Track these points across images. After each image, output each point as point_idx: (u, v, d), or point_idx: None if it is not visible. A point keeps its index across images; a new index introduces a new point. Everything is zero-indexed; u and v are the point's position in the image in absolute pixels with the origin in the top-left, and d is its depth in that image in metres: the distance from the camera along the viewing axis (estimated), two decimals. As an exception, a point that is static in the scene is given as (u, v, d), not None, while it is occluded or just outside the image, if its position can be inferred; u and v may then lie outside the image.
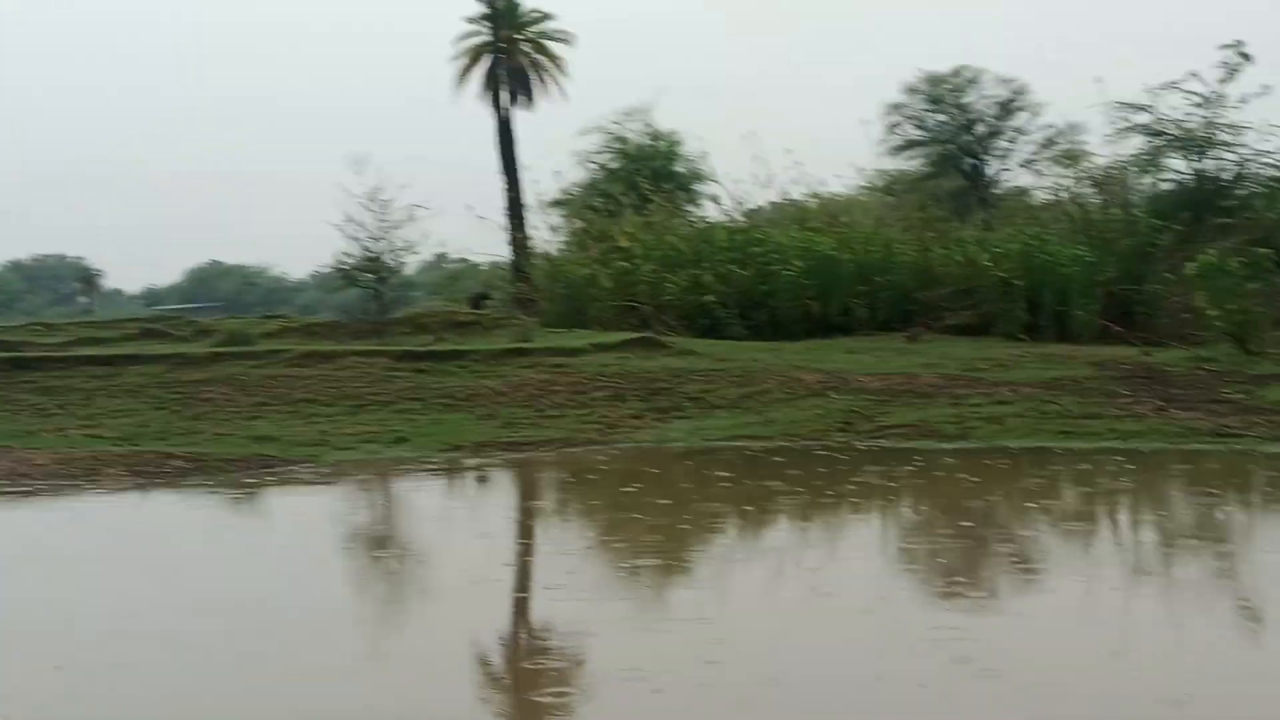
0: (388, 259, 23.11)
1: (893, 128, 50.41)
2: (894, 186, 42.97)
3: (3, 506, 10.65)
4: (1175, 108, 36.42)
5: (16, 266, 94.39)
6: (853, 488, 11.07)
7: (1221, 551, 8.08)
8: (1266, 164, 36.64)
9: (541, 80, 44.16)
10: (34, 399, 15.74)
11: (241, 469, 12.16)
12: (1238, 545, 8.39)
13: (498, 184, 41.05)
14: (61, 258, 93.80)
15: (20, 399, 15.75)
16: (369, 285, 23.29)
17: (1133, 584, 7.26)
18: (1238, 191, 36.57)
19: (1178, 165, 37.98)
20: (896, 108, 50.10)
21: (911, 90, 49.98)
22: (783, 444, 13.39)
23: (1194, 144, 36.58)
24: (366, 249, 22.71)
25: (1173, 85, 35.48)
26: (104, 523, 10.35)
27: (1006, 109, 50.29)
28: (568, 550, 8.95)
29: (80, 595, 7.53)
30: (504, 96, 42.94)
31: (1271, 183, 35.45)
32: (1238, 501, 10.19)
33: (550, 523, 10.40)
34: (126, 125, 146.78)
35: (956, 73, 49.53)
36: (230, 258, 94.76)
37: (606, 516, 10.18)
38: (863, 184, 41.07)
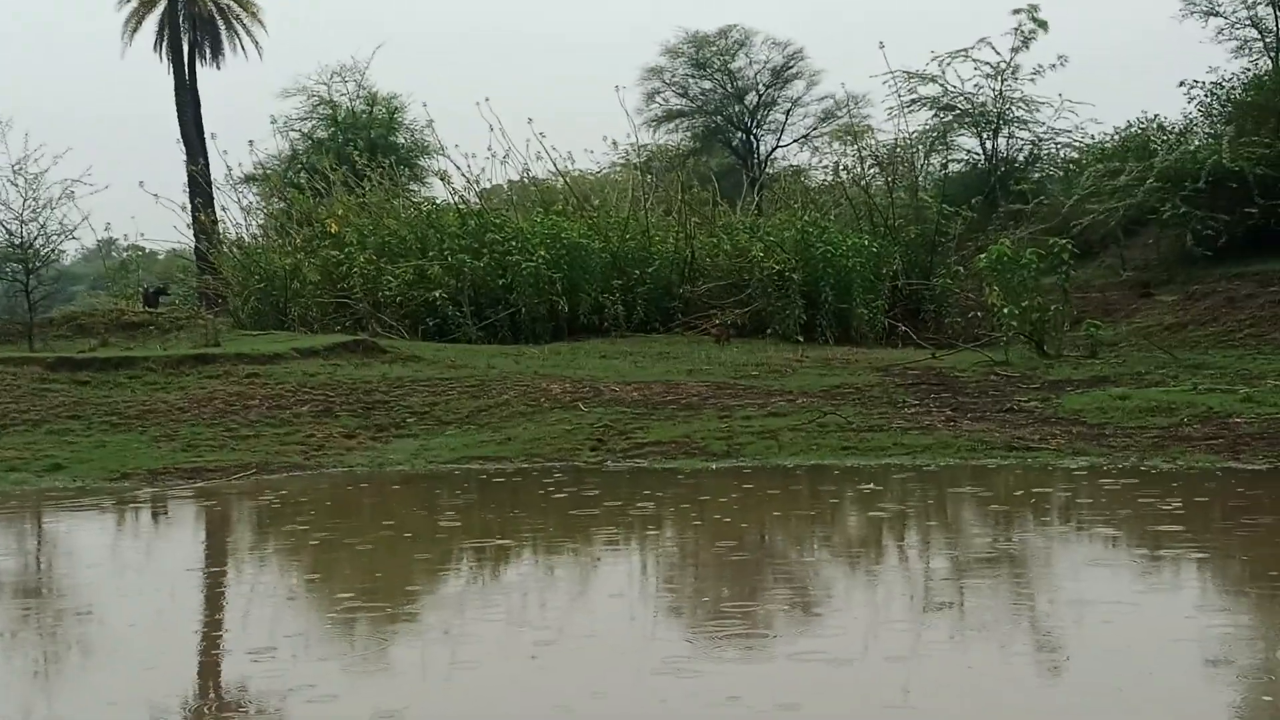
0: (39, 245, 22.16)
1: (652, 96, 51.21)
2: (653, 164, 43.55)
3: None
4: (966, 79, 38.16)
5: None
6: (604, 516, 11.12)
7: (1015, 581, 8.42)
8: (1063, 144, 38.72)
9: (233, 32, 43.22)
10: None
11: None
12: (1033, 573, 8.76)
13: (178, 156, 39.87)
14: None
15: None
16: (14, 278, 22.29)
17: (918, 621, 7.49)
18: (1033, 174, 38.54)
19: (968, 144, 39.81)
20: (656, 73, 50.84)
21: (673, 53, 50.70)
22: (524, 466, 13.42)
23: (986, 120, 38.36)
24: (10, 233, 21.74)
25: (963, 53, 37.15)
26: None
27: (780, 77, 51.64)
28: (263, 600, 8.73)
29: None
30: (186, 51, 41.79)
31: (1069, 165, 37.46)
32: (1033, 523, 10.65)
33: (243, 567, 10.13)
34: None
35: (724, 34, 50.51)
36: None
37: (311, 558, 9.97)
38: (618, 161, 41.56)
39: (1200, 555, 8.86)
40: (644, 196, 30.40)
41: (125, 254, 36.52)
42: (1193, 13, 36.13)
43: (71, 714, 6.34)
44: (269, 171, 37.63)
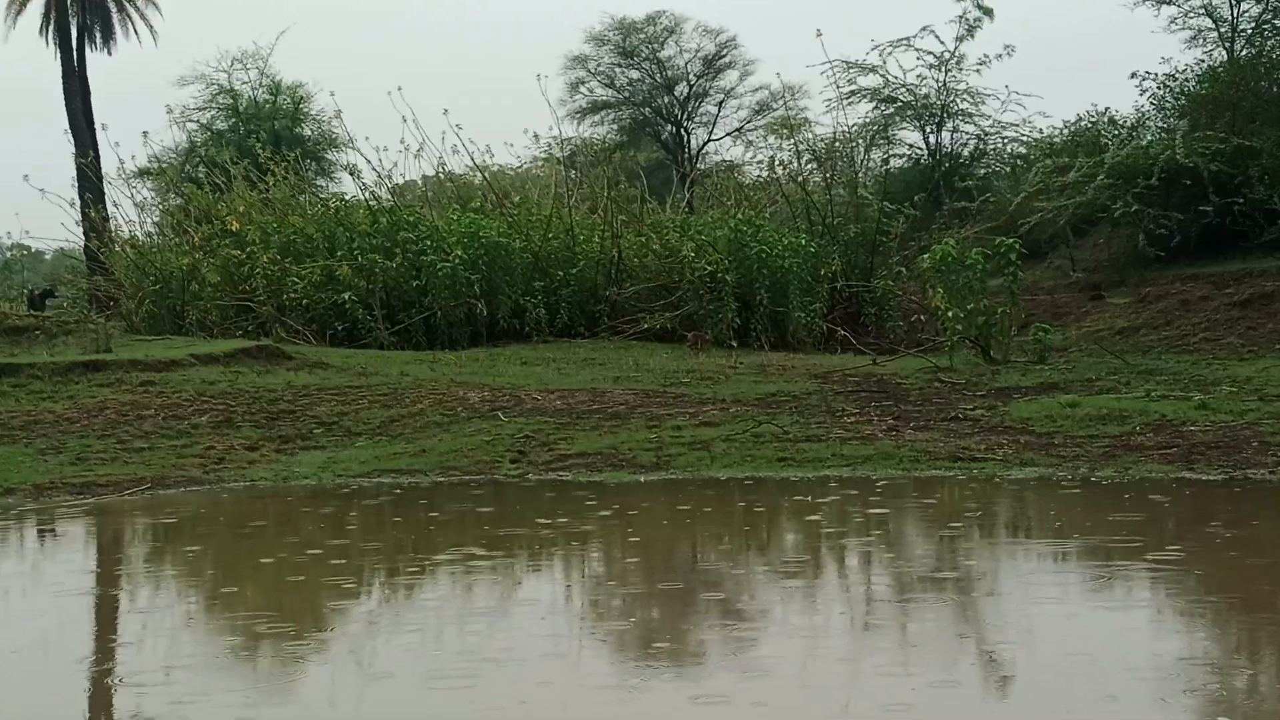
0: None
1: (576, 86, 51.17)
2: (578, 158, 43.49)
3: None
4: (908, 70, 38.42)
5: None
6: (525, 534, 11.08)
7: (960, 600, 8.44)
8: (1010, 138, 39.05)
9: (125, 15, 42.76)
10: None
11: None
12: (978, 592, 8.79)
13: (66, 147, 39.39)
14: None
15: None
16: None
17: (858, 645, 7.50)
18: (978, 170, 38.83)
19: (911, 138, 40.07)
20: (580, 61, 50.79)
21: (598, 40, 50.65)
22: (440, 479, 13.34)
23: (929, 113, 38.62)
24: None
25: (905, 42, 37.39)
26: None
27: (712, 66, 51.73)
28: (158, 625, 8.62)
29: None
30: (75, 35, 41.30)
31: (1016, 160, 37.79)
32: (979, 539, 10.69)
33: (137, 590, 10.00)
34: None
35: (652, 20, 50.51)
36: None
37: (211, 580, 9.88)
38: (540, 155, 41.47)
39: (1154, 571, 8.92)
40: (568, 193, 30.39)
41: (9, 253, 36.24)
42: (1145, 1, 36.48)
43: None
44: (165, 165, 37.34)
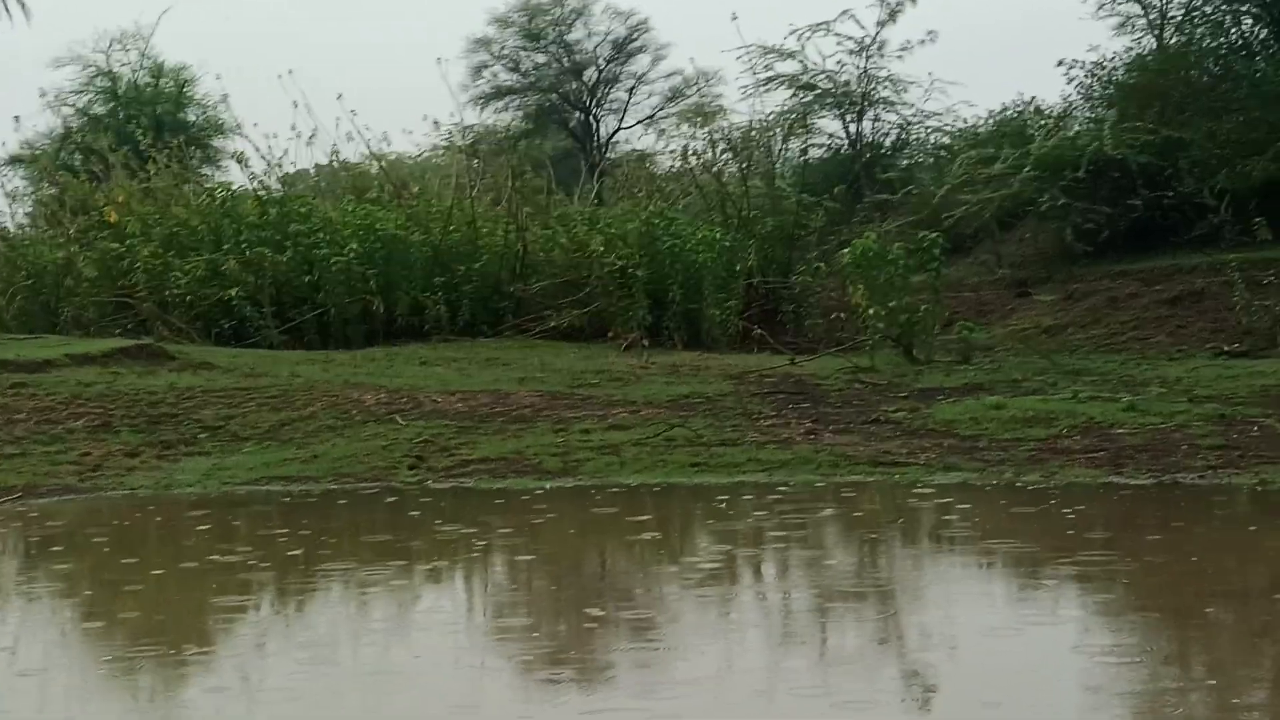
0: None
1: (479, 70, 51.02)
2: (480, 146, 43.30)
3: None
4: (827, 55, 38.54)
5: None
6: (421, 545, 11.05)
7: (880, 613, 8.49)
8: (934, 128, 39.28)
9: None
10: None
11: None
12: (900, 603, 8.84)
13: (-71, 132, 38.83)
14: None
15: None
16: None
17: (773, 665, 7.52)
18: (900, 161, 39.03)
19: (831, 127, 40.19)
20: (483, 44, 50.63)
21: (502, 22, 50.48)
22: (332, 487, 13.25)
23: (849, 101, 38.79)
24: None
25: (824, 27, 37.51)
26: None
27: (622, 50, 51.70)
28: (28, 647, 8.53)
29: None
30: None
31: (940, 151, 38.02)
32: (900, 547, 10.77)
33: (3, 608, 9.87)
34: None
35: (560, 1, 50.39)
36: None
37: (87, 597, 9.77)
38: (440, 143, 41.31)
39: (1081, 580, 9.03)
40: (470, 183, 30.15)
41: None
42: (1072, -16, 36.66)
43: None
44: (38, 152, 36.87)
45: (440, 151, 41.15)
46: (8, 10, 41.72)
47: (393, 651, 7.98)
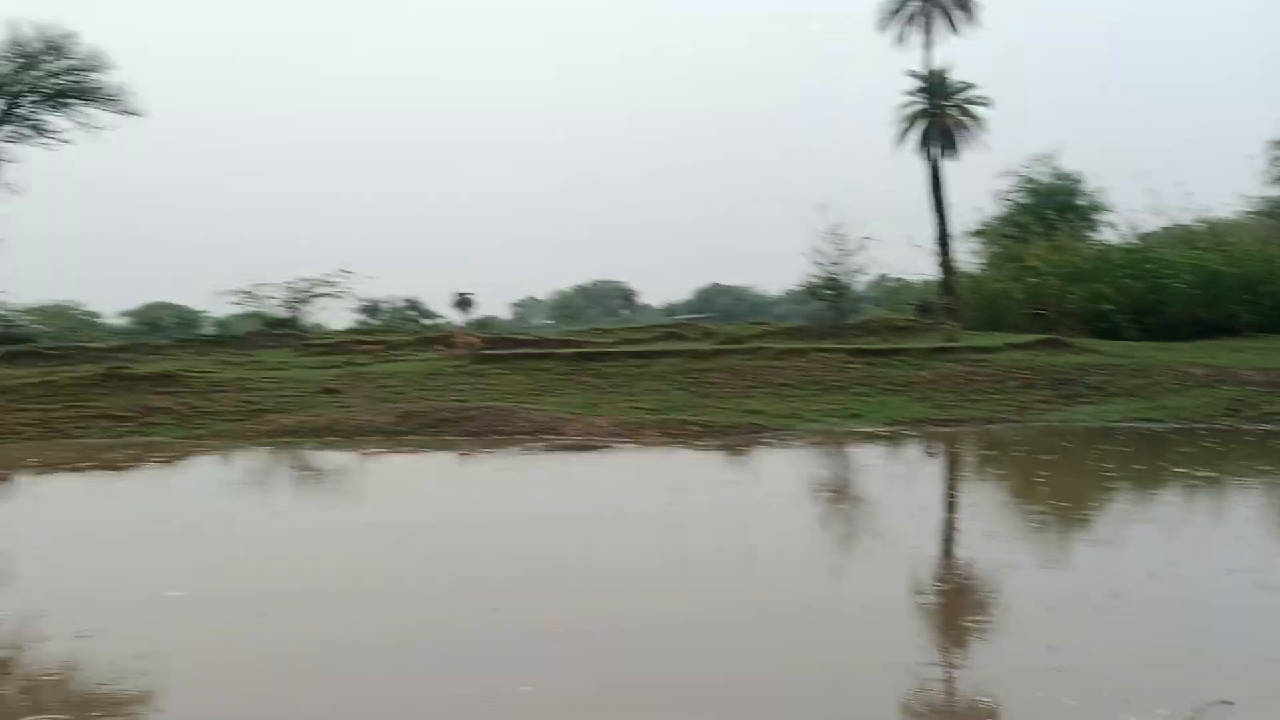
0: (844, 279, 23.18)
1: (1275, 160, 44.62)
2: (1277, 211, 37.97)
3: (587, 455, 11.67)
4: None
5: (580, 290, 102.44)
6: (1242, 463, 10.05)
7: None
8: None
9: (965, 135, 42.57)
10: (594, 381, 17.02)
11: (738, 434, 12.69)
12: None
13: (928, 218, 39.94)
14: (609, 282, 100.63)
15: (585, 381, 17.08)
16: (830, 299, 23.43)
17: None
18: None
19: None
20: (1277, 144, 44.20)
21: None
22: (1174, 426, 12.37)
23: None
24: (828, 271, 22.89)
25: None
26: (658, 468, 11.03)
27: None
28: (992, 502, 8.71)
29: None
30: (934, 150, 41.73)
31: None
32: None
33: (978, 480, 10.11)
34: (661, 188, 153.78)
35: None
36: (726, 280, 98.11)
37: (1024, 476, 9.81)
38: (1247, 210, 36.82)
39: None
40: (1269, 235, 26.79)
41: (894, 283, 37.13)
42: None
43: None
44: (987, 227, 36.83)
45: (1248, 215, 36.50)
46: (971, 145, 42.01)
47: (1213, 530, 7.39)
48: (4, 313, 31.67)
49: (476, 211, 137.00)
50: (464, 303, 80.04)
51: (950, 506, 8.55)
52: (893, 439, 12.28)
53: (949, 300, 30.56)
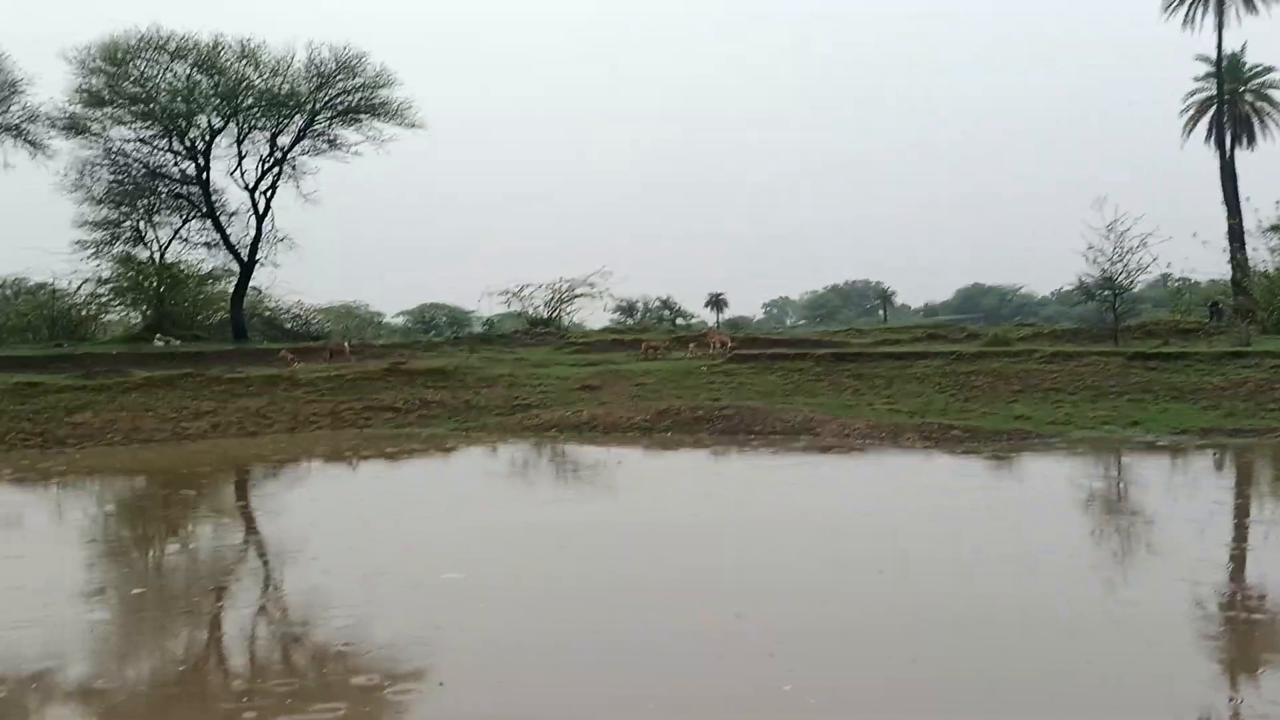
0: (1121, 279, 21.68)
1: None
2: None
3: (840, 457, 11.52)
4: None
5: (834, 289, 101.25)
6: None
7: None
8: None
9: (1263, 124, 39.00)
10: (851, 382, 16.77)
11: (1004, 439, 12.15)
12: None
13: (1219, 213, 36.84)
14: (866, 282, 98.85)
15: (841, 382, 16.86)
16: (1105, 300, 22.00)
17: None
18: None
19: None
20: None
21: None
22: None
23: None
24: (1104, 270, 21.49)
25: None
26: (921, 473, 10.75)
27: None
28: (1286, 522, 7.94)
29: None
30: (1226, 139, 38.46)
31: None
32: None
33: (1273, 498, 9.22)
34: (876, 185, 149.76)
35: None
36: (989, 280, 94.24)
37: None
38: None
39: None
40: None
41: (1178, 283, 34.49)
42: None
43: None
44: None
45: None
46: (1274, 136, 38.40)
47: None
48: (300, 312, 34.76)
49: (728, 208, 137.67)
50: (717, 302, 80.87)
51: (1240, 525, 7.82)
52: (1176, 449, 11.40)
53: (1243, 302, 28.10)
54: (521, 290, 36.63)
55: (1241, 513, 8.30)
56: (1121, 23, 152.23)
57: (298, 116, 29.77)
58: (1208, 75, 39.00)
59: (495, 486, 10.52)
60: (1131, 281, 21.77)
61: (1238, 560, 6.63)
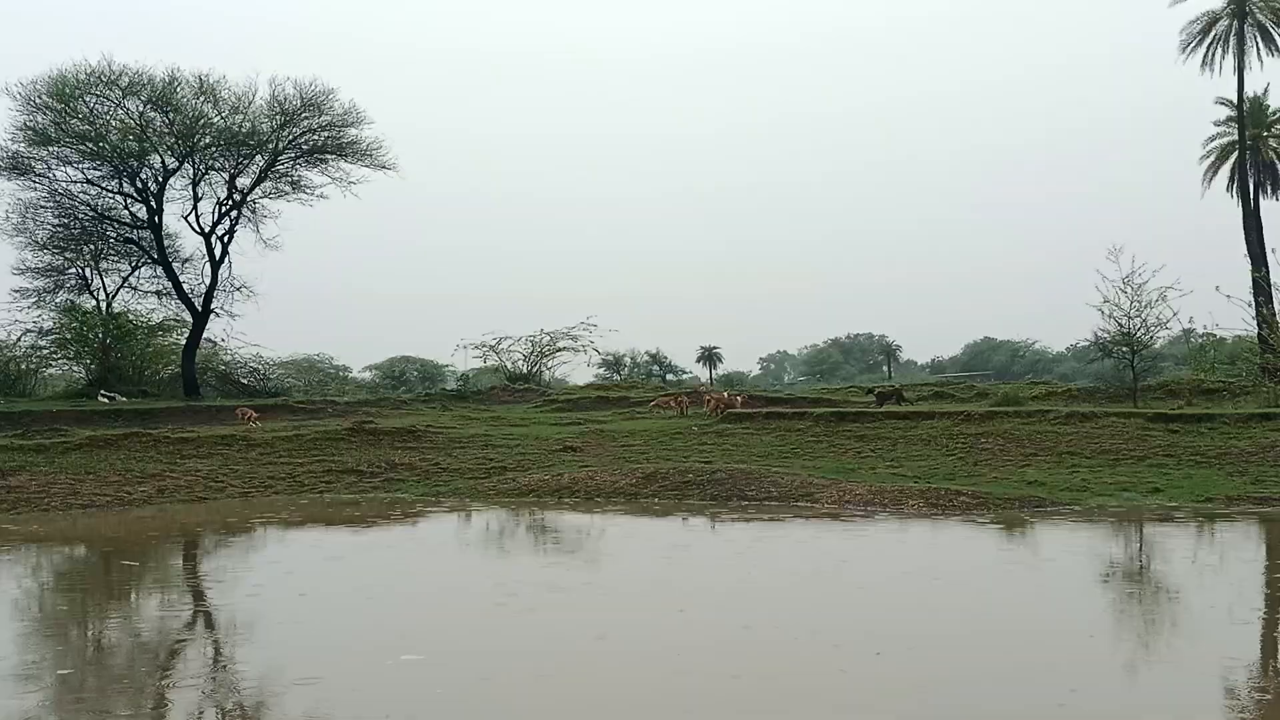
0: (1140, 334, 21.84)
1: None
2: None
3: (838, 527, 11.49)
4: None
5: (835, 343, 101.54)
6: None
7: None
8: None
9: (1292, 174, 39.53)
10: (851, 444, 16.79)
11: (1016, 506, 12.16)
12: None
13: (1244, 266, 37.20)
14: (870, 335, 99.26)
15: (842, 444, 16.87)
16: (1123, 356, 22.14)
17: None
18: None
19: None
20: None
21: None
22: None
23: None
24: (1120, 325, 21.64)
25: None
26: (924, 544, 10.73)
27: None
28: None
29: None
30: (1250, 187, 38.98)
31: None
32: None
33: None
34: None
35: None
36: (1000, 334, 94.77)
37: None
38: None
39: None
40: None
41: (1201, 339, 34.74)
42: None
43: None
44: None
45: None
46: None
47: None
48: (259, 366, 34.62)
49: (726, 262, 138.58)
50: (710, 357, 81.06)
51: (1271, 606, 7.78)
52: (1202, 519, 11.42)
53: (1269, 359, 28.26)
54: (499, 343, 36.67)
55: (1273, 591, 8.27)
56: (1139, 68, 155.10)
57: (258, 156, 29.93)
58: (1228, 120, 39.65)
59: (465, 558, 10.45)
60: (1151, 337, 21.92)
61: (1269, 646, 6.62)
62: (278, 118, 29.68)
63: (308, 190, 31.10)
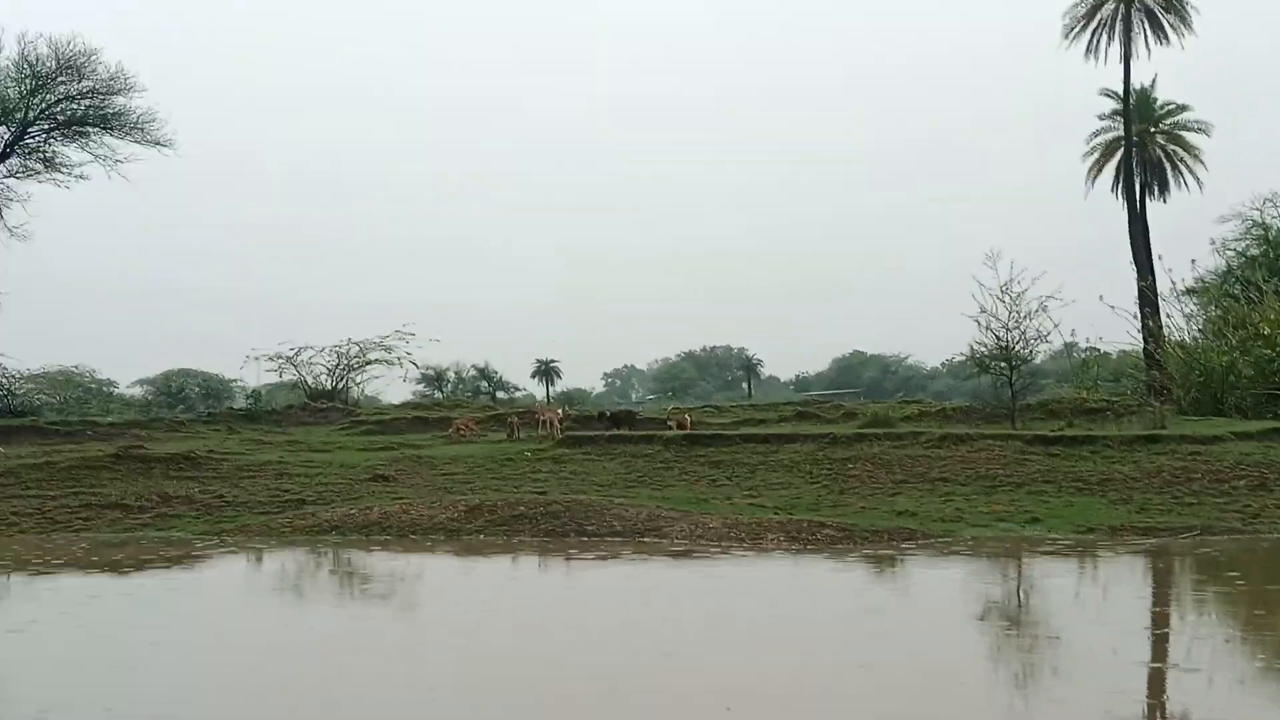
0: (1019, 348, 22.72)
1: None
2: None
3: (682, 564, 11.59)
4: None
5: (689, 356, 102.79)
6: None
7: None
8: None
9: (1176, 172, 41.89)
10: (706, 471, 16.98)
11: (885, 539, 12.47)
12: None
13: (1129, 274, 39.18)
14: (729, 349, 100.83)
15: (695, 470, 17.06)
16: (1001, 373, 23.00)
17: None
18: None
19: None
20: None
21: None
22: None
23: None
24: (998, 339, 22.48)
25: None
26: (782, 583, 10.88)
27: None
28: (1215, 640, 8.32)
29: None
30: (1136, 187, 41.09)
31: None
32: None
33: (1194, 610, 9.70)
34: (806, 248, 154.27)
35: None
36: (871, 348, 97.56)
37: (1257, 605, 9.35)
38: None
39: None
40: None
41: (1084, 354, 36.39)
42: None
43: None
44: (1206, 285, 35.92)
45: None
46: (1185, 185, 41.06)
47: None
48: (2, 379, 33.02)
49: (564, 269, 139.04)
50: (547, 371, 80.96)
51: (1158, 645, 8.17)
52: (1083, 551, 11.92)
53: (1155, 376, 29.82)
54: (298, 354, 35.93)
55: (1158, 628, 8.66)
56: (1017, 56, 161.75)
57: (2, 128, 28.65)
58: (1114, 113, 41.63)
59: (252, 609, 10.15)
60: (1031, 352, 22.79)
61: (1154, 688, 6.92)
62: (27, 81, 28.46)
63: (64, 169, 29.93)
